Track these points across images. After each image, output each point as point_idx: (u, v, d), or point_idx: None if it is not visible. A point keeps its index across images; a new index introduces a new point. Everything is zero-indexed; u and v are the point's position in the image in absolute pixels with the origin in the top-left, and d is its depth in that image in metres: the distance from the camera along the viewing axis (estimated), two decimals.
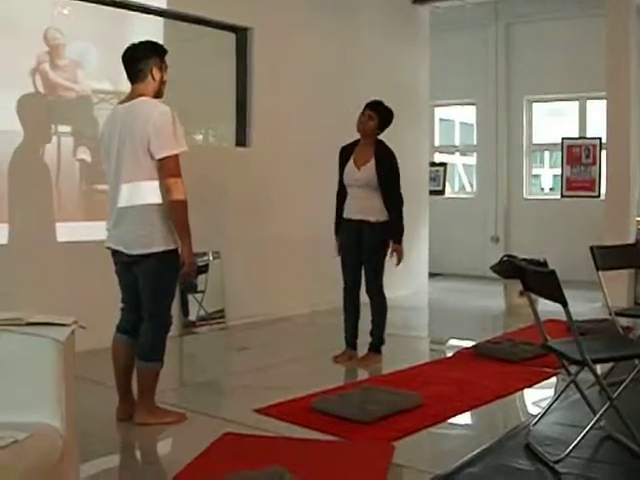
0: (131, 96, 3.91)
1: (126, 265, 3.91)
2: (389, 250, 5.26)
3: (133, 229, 3.80)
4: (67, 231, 5.61)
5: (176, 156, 3.78)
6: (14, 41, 5.25)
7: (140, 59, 3.88)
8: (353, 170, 5.28)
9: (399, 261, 5.26)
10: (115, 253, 3.93)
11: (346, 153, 5.37)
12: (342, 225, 5.39)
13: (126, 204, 3.81)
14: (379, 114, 5.26)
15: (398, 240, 5.24)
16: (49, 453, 2.30)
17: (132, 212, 3.80)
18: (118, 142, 3.83)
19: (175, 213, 3.81)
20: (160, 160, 3.74)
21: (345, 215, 5.37)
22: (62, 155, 5.68)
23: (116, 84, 6.06)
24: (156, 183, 3.79)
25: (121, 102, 3.99)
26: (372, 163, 5.20)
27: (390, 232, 5.24)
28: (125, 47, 3.95)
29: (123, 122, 3.84)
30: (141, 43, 3.96)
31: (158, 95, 3.93)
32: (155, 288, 3.89)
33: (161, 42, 4.08)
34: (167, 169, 3.76)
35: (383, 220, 5.21)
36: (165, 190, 3.78)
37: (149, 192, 3.78)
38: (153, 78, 3.89)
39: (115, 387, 4.03)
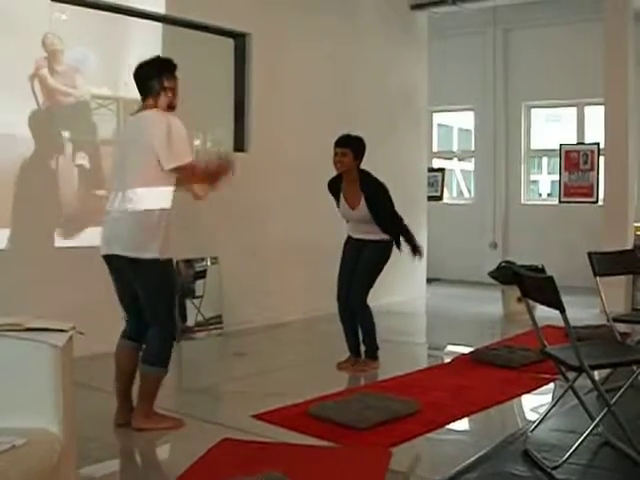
0: (141, 108, 3.99)
1: (120, 271, 3.92)
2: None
3: (129, 231, 3.82)
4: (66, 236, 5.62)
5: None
6: (12, 46, 5.24)
7: (150, 76, 3.95)
8: (348, 210, 5.36)
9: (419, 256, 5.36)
10: (109, 260, 3.93)
11: (335, 188, 5.43)
12: (347, 239, 5.46)
13: (125, 208, 3.82)
14: (350, 147, 5.26)
15: (417, 252, 5.29)
16: (47, 458, 2.30)
17: (130, 216, 3.81)
18: (124, 151, 3.93)
19: (184, 170, 3.87)
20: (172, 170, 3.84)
21: (348, 233, 5.46)
22: (61, 160, 5.68)
23: (115, 89, 6.08)
24: (157, 191, 3.83)
25: (132, 114, 4.09)
26: (363, 203, 5.24)
27: (389, 250, 5.30)
28: (135, 65, 4.02)
29: (129, 132, 3.99)
30: (151, 60, 4.03)
31: (170, 107, 3.99)
32: (151, 297, 3.91)
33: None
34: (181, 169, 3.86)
35: (387, 239, 5.27)
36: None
37: (149, 199, 3.82)
38: (165, 93, 3.96)
39: (115, 392, 4.02)
